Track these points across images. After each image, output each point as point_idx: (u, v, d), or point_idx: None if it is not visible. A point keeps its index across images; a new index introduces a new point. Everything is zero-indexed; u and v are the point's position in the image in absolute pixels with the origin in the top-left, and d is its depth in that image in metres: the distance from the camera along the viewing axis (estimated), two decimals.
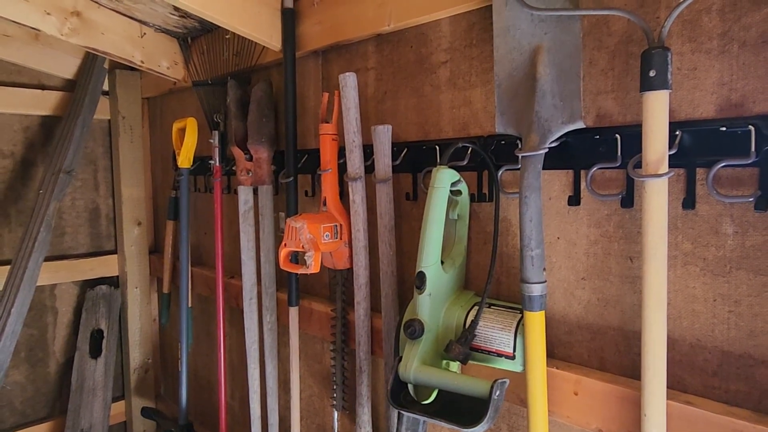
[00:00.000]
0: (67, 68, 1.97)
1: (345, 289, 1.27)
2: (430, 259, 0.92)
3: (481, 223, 1.01)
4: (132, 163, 2.10)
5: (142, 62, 1.69)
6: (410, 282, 1.14)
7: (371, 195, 1.17)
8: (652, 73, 0.71)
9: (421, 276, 0.92)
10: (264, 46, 1.41)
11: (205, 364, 1.93)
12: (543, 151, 0.82)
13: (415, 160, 1.11)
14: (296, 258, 1.33)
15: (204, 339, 1.92)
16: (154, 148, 2.17)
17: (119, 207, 2.10)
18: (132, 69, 2.03)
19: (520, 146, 0.87)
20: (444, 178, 0.93)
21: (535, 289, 0.82)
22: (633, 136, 0.78)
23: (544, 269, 0.83)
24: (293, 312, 1.37)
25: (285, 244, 1.15)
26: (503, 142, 0.95)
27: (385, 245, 1.11)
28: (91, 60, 1.95)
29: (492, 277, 0.93)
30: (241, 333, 1.63)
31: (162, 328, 2.20)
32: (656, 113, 0.71)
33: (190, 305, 1.79)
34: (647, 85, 0.71)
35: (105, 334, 2.05)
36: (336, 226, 1.20)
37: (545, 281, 0.82)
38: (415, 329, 0.90)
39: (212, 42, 1.63)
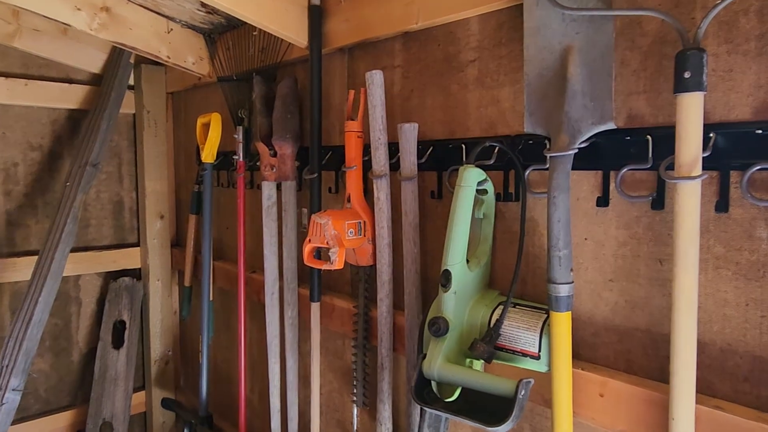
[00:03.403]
0: (93, 62, 2.00)
1: (368, 285, 1.27)
2: (455, 257, 0.92)
3: (507, 222, 1.01)
4: (156, 157, 2.13)
5: (168, 57, 1.72)
6: (434, 280, 1.15)
7: (395, 193, 1.17)
8: (686, 75, 0.70)
9: (447, 274, 0.92)
10: (290, 43, 1.42)
11: (225, 357, 1.96)
12: (572, 152, 0.81)
13: (440, 158, 1.11)
14: (320, 254, 1.34)
15: (224, 333, 1.95)
16: (177, 142, 2.20)
17: (143, 200, 2.13)
18: (157, 64, 2.05)
19: (548, 146, 0.87)
20: (471, 177, 0.93)
21: (562, 290, 0.82)
22: (665, 137, 0.77)
23: (572, 270, 0.83)
24: (315, 307, 1.38)
25: (309, 240, 1.16)
26: (531, 142, 0.95)
27: (409, 243, 1.12)
28: (117, 54, 1.98)
29: (518, 277, 0.92)
30: (261, 327, 1.65)
31: (183, 321, 2.23)
32: (690, 115, 0.70)
33: (211, 299, 1.81)
34: (682, 86, 0.70)
35: (127, 326, 2.09)
36: (360, 222, 1.20)
37: (572, 282, 0.82)
38: (439, 327, 0.91)
39: (238, 38, 1.64)
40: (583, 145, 0.83)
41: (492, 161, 0.99)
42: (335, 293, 1.41)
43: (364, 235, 1.22)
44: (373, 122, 1.14)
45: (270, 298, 1.51)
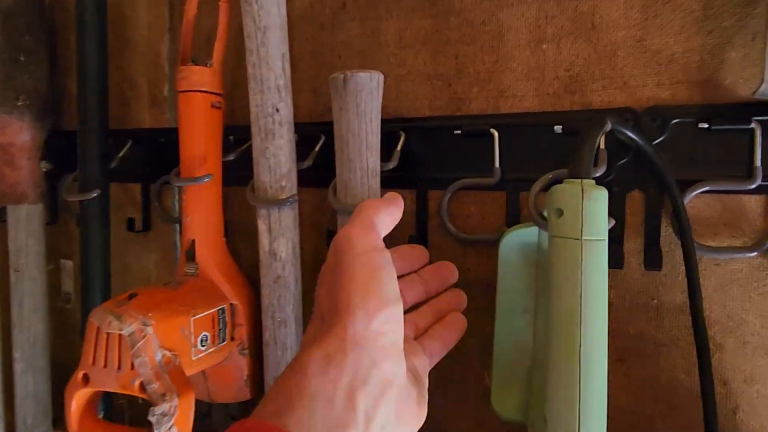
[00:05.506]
0: None
1: None
2: (599, 422, 0.31)
3: (616, 312, 0.43)
4: None
5: None
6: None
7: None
8: None
9: None
10: None
11: None
12: None
13: (423, 159, 0.49)
14: (115, 408, 0.60)
15: None
16: None
17: None
18: None
19: None
20: (601, 213, 0.33)
21: None
22: None
23: None
24: None
25: (83, 377, 0.43)
26: (709, 127, 0.39)
27: None
28: None
29: None
30: None
31: None
32: None
33: None
34: None
35: None
36: (221, 311, 0.50)
37: None
38: None
39: None
40: None
41: (600, 172, 0.40)
42: None
43: (232, 339, 0.52)
44: (262, 71, 0.46)
45: None
